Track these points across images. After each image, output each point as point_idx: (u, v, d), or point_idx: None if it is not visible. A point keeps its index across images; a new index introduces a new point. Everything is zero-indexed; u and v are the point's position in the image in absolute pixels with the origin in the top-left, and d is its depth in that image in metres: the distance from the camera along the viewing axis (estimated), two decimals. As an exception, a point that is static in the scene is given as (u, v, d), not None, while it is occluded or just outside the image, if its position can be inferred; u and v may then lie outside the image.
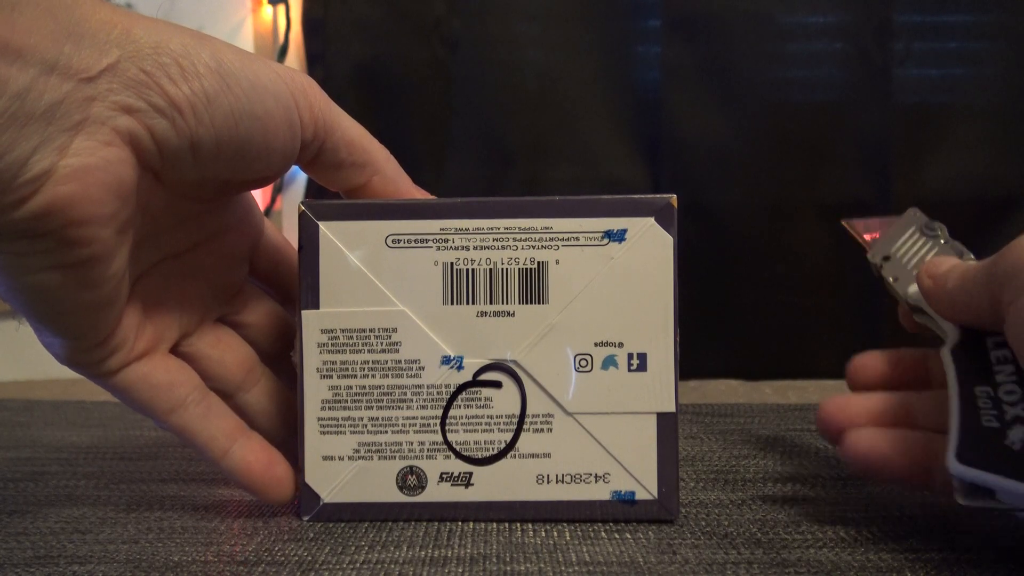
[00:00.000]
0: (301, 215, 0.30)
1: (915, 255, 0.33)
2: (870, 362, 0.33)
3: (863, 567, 0.26)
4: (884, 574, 0.25)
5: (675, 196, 0.30)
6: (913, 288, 0.31)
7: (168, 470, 0.37)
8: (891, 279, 0.33)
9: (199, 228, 0.31)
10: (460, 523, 0.30)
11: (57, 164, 0.23)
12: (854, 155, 0.67)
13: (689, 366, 0.63)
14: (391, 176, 0.31)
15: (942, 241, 0.33)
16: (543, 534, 0.29)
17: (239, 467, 0.30)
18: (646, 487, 0.30)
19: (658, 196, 0.30)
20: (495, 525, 0.30)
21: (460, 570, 0.26)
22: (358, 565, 0.26)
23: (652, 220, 0.29)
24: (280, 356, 0.33)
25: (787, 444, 0.41)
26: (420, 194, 0.32)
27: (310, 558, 0.27)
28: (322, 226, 0.30)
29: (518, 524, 0.30)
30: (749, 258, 0.67)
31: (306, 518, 0.30)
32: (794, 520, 0.30)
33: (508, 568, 0.26)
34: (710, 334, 0.68)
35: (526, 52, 0.69)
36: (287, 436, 0.32)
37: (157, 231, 0.29)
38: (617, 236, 0.29)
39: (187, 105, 0.25)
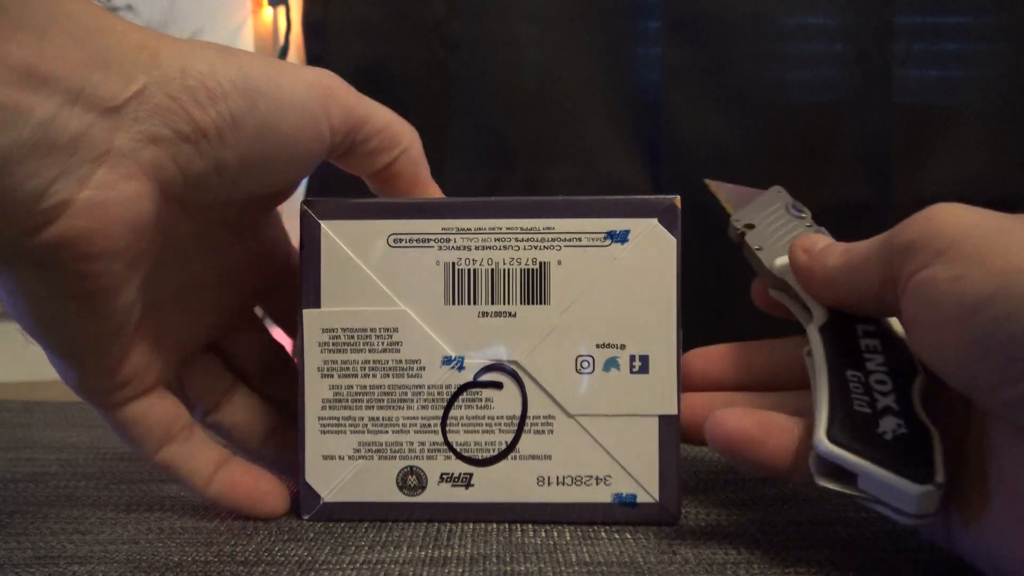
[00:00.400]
0: (303, 214, 0.30)
1: (781, 230, 0.31)
2: (711, 360, 0.33)
3: (863, 567, 0.26)
4: (884, 574, 0.25)
5: (679, 197, 0.30)
6: (780, 261, 0.30)
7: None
8: (756, 247, 0.31)
9: (224, 256, 0.30)
10: (460, 523, 0.30)
11: (76, 196, 0.22)
12: (854, 156, 0.67)
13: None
14: (418, 155, 0.31)
15: (807, 224, 0.31)
16: (543, 534, 0.29)
17: (224, 490, 0.30)
18: (647, 490, 0.30)
19: (662, 197, 0.30)
20: (495, 525, 0.30)
21: (460, 570, 0.26)
22: (358, 565, 0.26)
23: (655, 221, 0.29)
24: (264, 381, 0.34)
25: (787, 444, 0.41)
26: (434, 187, 0.32)
27: (310, 558, 0.27)
28: (324, 225, 0.30)
29: (518, 524, 0.30)
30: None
31: (306, 517, 0.30)
32: (794, 520, 0.30)
33: (508, 568, 0.26)
34: (710, 335, 0.68)
35: (526, 53, 0.69)
36: (266, 451, 0.32)
37: (182, 259, 0.29)
38: (620, 237, 0.29)
39: (213, 129, 0.25)
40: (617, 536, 0.29)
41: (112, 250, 0.24)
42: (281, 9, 0.70)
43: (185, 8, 0.71)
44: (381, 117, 0.29)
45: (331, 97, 0.27)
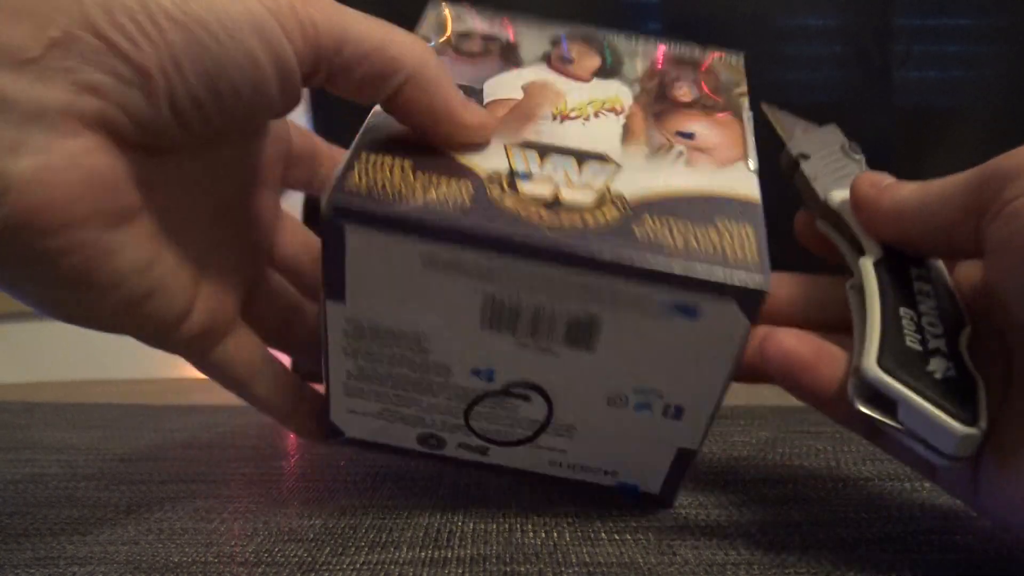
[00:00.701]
0: (324, 212, 0.24)
1: (835, 165, 0.31)
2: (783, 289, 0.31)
3: (863, 567, 0.26)
4: (884, 574, 0.25)
5: (768, 281, 0.24)
6: (836, 194, 0.29)
7: (168, 471, 0.37)
8: (811, 176, 0.31)
9: (228, 175, 0.28)
10: (460, 524, 0.30)
11: (10, 169, 0.20)
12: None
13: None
14: (427, 82, 0.25)
15: (863, 166, 0.31)
16: (543, 535, 0.29)
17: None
18: (650, 488, 0.30)
19: (747, 275, 0.24)
20: (495, 526, 0.30)
21: (460, 571, 0.26)
22: (358, 566, 0.26)
23: (734, 307, 0.24)
24: (275, 333, 0.32)
25: (787, 445, 0.41)
26: (466, 108, 0.26)
27: (310, 559, 0.27)
28: (349, 231, 0.25)
29: (518, 525, 0.30)
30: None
31: (331, 441, 0.31)
32: (794, 521, 0.30)
33: (508, 569, 0.26)
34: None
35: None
36: (266, 393, 0.31)
37: (182, 202, 0.26)
38: (688, 312, 0.24)
39: (156, 68, 0.21)
40: (617, 537, 0.29)
41: (75, 218, 0.21)
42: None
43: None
44: (367, 37, 0.25)
45: (292, 14, 0.23)
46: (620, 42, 0.34)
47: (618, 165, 0.27)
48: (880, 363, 0.24)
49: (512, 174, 0.26)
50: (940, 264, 0.27)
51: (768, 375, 0.28)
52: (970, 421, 0.23)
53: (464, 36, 0.32)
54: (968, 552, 0.27)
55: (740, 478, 0.36)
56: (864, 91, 0.67)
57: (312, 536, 0.29)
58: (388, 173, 0.25)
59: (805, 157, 0.31)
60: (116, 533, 0.30)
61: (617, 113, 0.29)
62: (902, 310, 0.25)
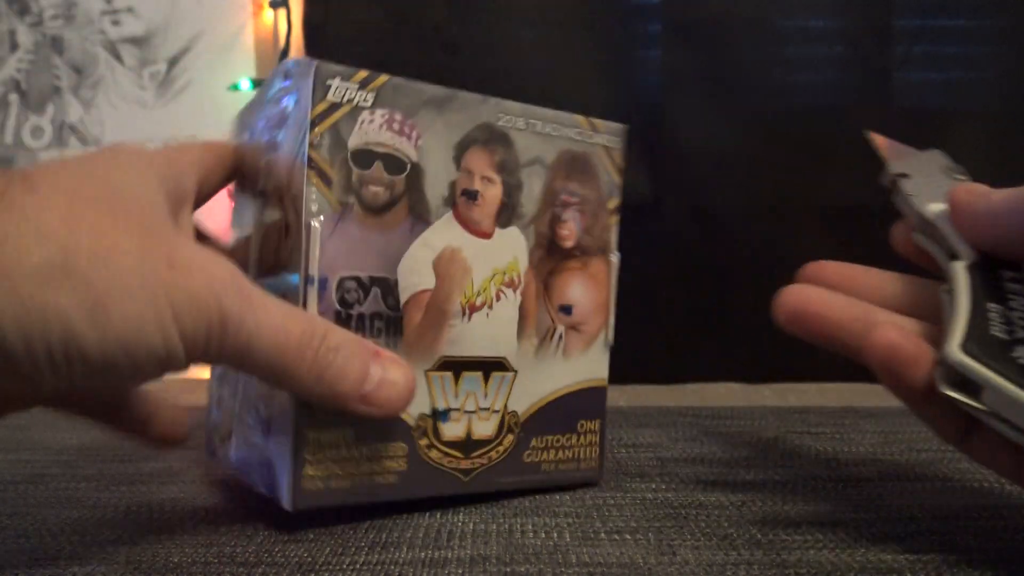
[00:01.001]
0: (287, 507, 0.29)
1: (935, 183, 0.32)
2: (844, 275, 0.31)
3: (863, 567, 0.26)
4: (884, 575, 0.25)
5: (601, 474, 0.35)
6: (933, 206, 0.30)
7: (168, 472, 0.37)
8: (909, 193, 0.32)
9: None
10: (460, 524, 0.30)
11: None
12: (854, 158, 0.67)
13: (689, 369, 0.64)
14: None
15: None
16: (543, 535, 0.29)
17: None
18: None
19: (588, 474, 0.34)
20: (495, 526, 0.30)
21: (460, 571, 0.26)
22: (358, 566, 0.26)
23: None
24: None
25: (787, 446, 0.41)
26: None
27: (310, 559, 0.27)
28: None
29: (518, 525, 0.30)
30: (749, 261, 0.67)
31: None
32: (794, 521, 0.30)
33: (508, 569, 0.26)
34: (710, 337, 0.68)
35: (526, 56, 0.69)
36: None
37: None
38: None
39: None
40: (617, 537, 0.29)
41: None
42: (282, 12, 0.71)
43: (185, 10, 0.71)
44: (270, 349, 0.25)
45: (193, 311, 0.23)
46: (519, 138, 0.32)
47: (515, 372, 0.32)
48: (963, 348, 0.24)
49: (435, 415, 0.31)
50: None
51: (866, 363, 0.27)
52: None
53: (366, 168, 0.29)
54: (968, 552, 0.27)
55: (740, 478, 0.36)
56: (864, 93, 0.67)
57: (312, 536, 0.29)
58: (335, 453, 0.29)
59: (904, 176, 0.32)
60: (116, 533, 0.30)
61: (515, 288, 0.32)
62: (990, 305, 0.26)
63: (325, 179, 0.28)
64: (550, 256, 0.33)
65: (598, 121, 0.34)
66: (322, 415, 0.28)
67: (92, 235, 0.22)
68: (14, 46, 0.75)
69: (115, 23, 0.73)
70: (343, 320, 0.29)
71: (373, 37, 0.69)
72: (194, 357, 0.23)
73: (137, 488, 0.35)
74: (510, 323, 0.32)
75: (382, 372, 0.27)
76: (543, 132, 0.33)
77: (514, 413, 0.32)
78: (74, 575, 0.26)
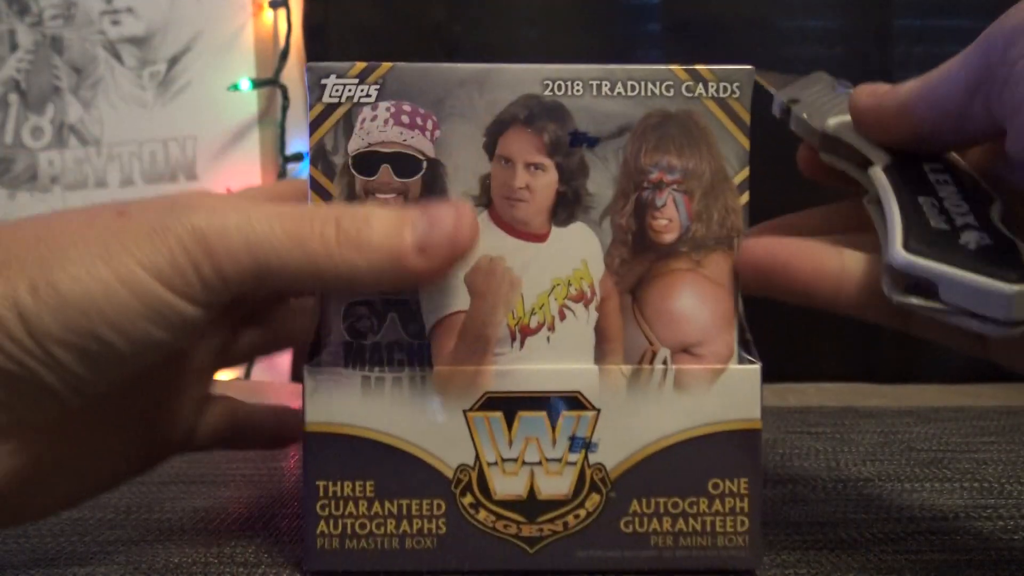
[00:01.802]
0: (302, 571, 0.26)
1: (828, 100, 0.30)
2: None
3: (863, 567, 0.26)
4: (884, 575, 0.25)
5: (760, 558, 0.26)
6: (833, 119, 0.28)
7: (169, 472, 0.37)
8: (803, 115, 0.30)
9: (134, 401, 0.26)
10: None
11: None
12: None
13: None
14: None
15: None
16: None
17: None
18: None
19: (736, 558, 0.25)
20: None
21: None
22: (358, 566, 0.26)
23: None
24: None
25: (787, 446, 0.41)
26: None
27: (310, 559, 0.27)
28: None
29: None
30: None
31: None
32: (794, 521, 0.30)
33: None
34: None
35: (526, 57, 0.69)
36: None
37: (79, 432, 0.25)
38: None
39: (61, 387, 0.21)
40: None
41: None
42: (282, 12, 0.70)
43: (185, 10, 0.71)
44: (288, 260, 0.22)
45: (187, 264, 0.21)
46: (577, 106, 0.26)
47: (596, 411, 0.25)
48: (907, 247, 0.23)
49: (480, 467, 0.25)
50: (953, 154, 0.27)
51: (760, 285, 0.26)
52: (1018, 280, 0.22)
53: (370, 175, 0.25)
54: (968, 552, 0.27)
55: (740, 479, 0.36)
56: (864, 93, 0.67)
57: (312, 536, 0.29)
58: (354, 508, 0.25)
59: (795, 101, 0.31)
60: (116, 533, 0.30)
61: (587, 303, 0.25)
62: (921, 199, 0.24)
63: (326, 197, 0.25)
64: (639, 256, 0.26)
65: (704, 68, 0.26)
66: (336, 468, 0.25)
67: (37, 226, 0.21)
68: (14, 46, 0.75)
69: (115, 23, 0.73)
70: (354, 352, 0.25)
71: (373, 37, 0.69)
72: (194, 295, 0.21)
73: (137, 488, 0.35)
74: (582, 348, 0.25)
75: (419, 212, 0.23)
76: (613, 94, 0.26)
77: (600, 466, 0.25)
78: (74, 575, 0.26)
